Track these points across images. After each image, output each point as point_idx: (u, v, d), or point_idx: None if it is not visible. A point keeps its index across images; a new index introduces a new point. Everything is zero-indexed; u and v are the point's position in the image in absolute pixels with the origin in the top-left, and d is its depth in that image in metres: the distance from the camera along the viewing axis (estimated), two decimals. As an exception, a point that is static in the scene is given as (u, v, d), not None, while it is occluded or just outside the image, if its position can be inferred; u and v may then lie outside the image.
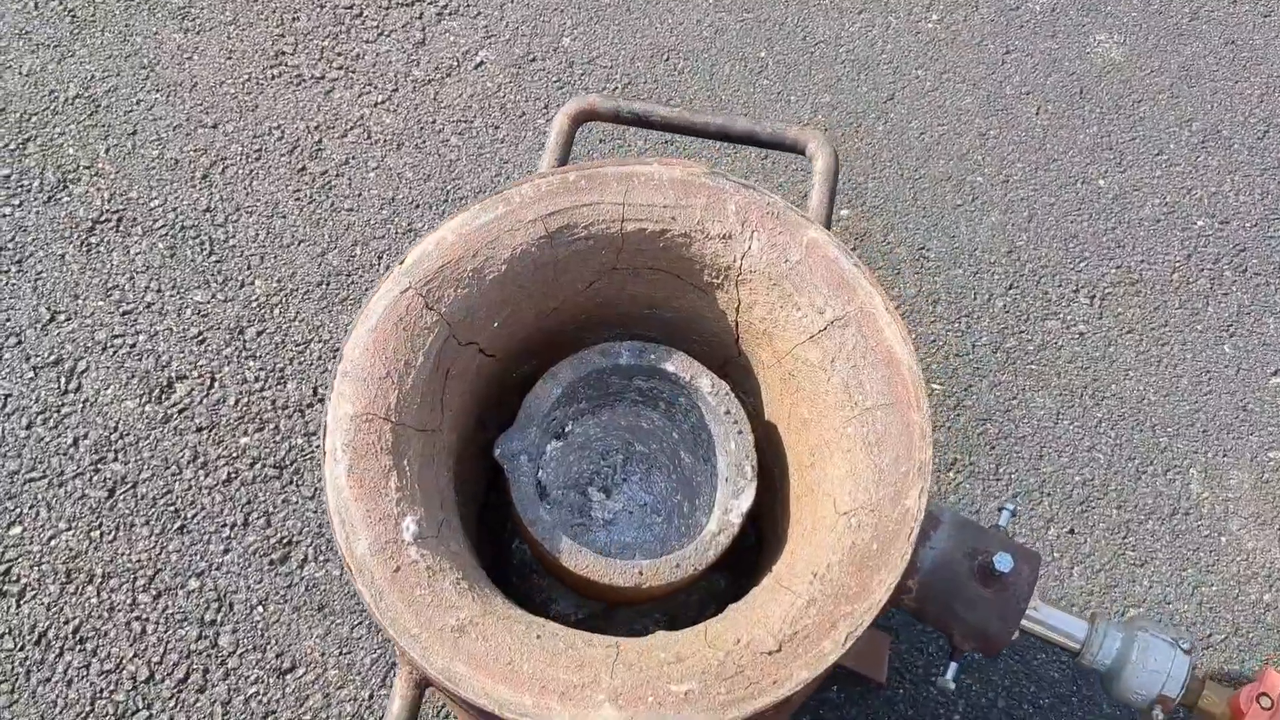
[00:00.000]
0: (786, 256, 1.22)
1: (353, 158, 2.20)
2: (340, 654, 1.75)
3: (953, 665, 1.45)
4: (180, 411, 1.92)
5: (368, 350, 1.14)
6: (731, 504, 1.24)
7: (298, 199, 2.15)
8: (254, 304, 2.03)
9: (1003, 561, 1.34)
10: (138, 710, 1.69)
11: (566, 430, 1.38)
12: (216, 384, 1.95)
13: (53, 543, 1.79)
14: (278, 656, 1.75)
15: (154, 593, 1.78)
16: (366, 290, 2.03)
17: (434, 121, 2.26)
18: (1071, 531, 1.89)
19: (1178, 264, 2.17)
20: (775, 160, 2.22)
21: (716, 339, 1.35)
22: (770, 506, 1.37)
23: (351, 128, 2.24)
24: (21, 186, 2.10)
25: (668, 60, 2.40)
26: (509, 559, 1.48)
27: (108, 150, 2.17)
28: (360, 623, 1.77)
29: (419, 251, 1.19)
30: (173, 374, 1.95)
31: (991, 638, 1.40)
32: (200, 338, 1.99)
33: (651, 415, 1.41)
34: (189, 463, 1.88)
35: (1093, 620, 1.46)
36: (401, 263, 1.19)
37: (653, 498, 1.42)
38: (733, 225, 1.23)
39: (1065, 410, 1.99)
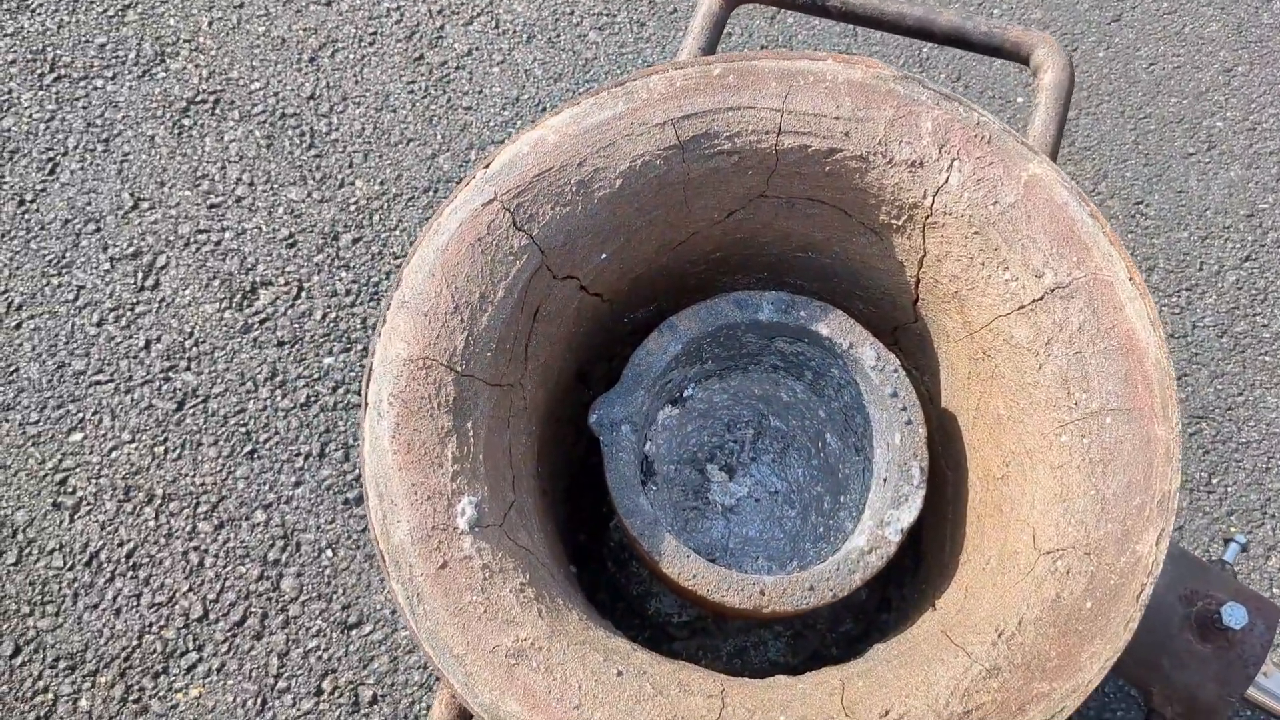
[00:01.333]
0: (997, 197, 0.90)
1: (476, 49, 1.94)
2: (411, 615, 1.53)
3: (1147, 733, 1.16)
4: (262, 322, 1.71)
5: (434, 276, 0.88)
6: (890, 515, 0.95)
7: (411, 92, 1.90)
8: (352, 207, 1.80)
9: (1234, 615, 1.05)
10: (187, 650, 1.50)
11: (685, 395, 1.11)
12: (304, 294, 1.73)
13: (114, 455, 1.61)
14: (344, 609, 1.54)
15: (216, 522, 1.58)
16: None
17: (571, 13, 1.97)
18: (1298, 565, 1.53)
19: None
20: (986, 88, 1.87)
21: (888, 298, 1.05)
22: (938, 515, 1.07)
23: (478, 14, 1.97)
24: (116, 58, 1.90)
25: (849, -41, 2.05)
26: (606, 538, 1.22)
27: (211, 23, 1.95)
28: (436, 582, 1.54)
29: (510, 154, 0.92)
30: (257, 278, 1.74)
31: (1203, 705, 1.11)
32: (290, 240, 1.77)
33: (794, 386, 1.12)
34: (266, 380, 1.67)
35: (1342, 699, 1.14)
36: (486, 166, 0.91)
37: (786, 485, 1.14)
38: (926, 149, 0.92)
39: (1303, 415, 1.62)
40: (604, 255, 0.97)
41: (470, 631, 0.81)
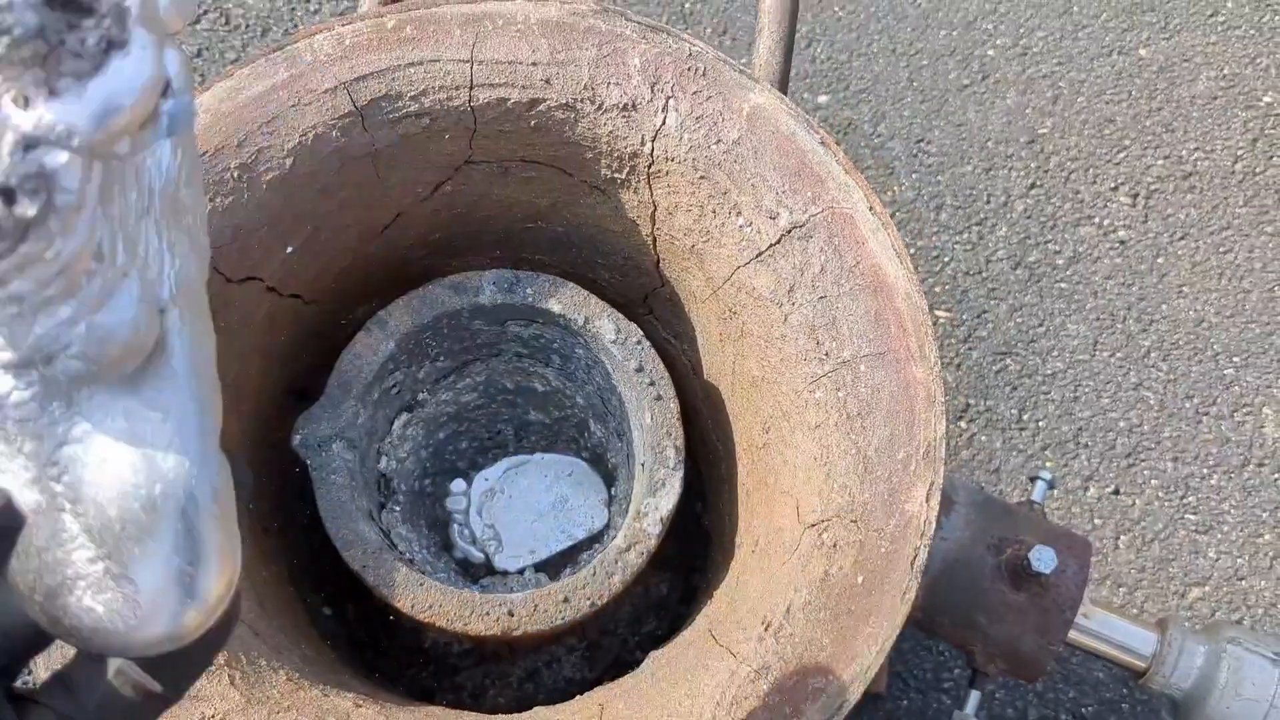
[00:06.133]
0: (719, 135, 0.80)
1: (206, 48, 1.76)
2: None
3: (974, 694, 1.09)
4: None
5: (64, 296, 0.73)
6: (647, 504, 0.84)
7: (136, 102, 1.72)
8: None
9: (1043, 559, 0.98)
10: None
11: (419, 399, 0.98)
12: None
13: None
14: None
15: None
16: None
17: (308, 1, 1.82)
18: (1116, 492, 1.49)
19: (1240, 151, 1.74)
20: (732, 36, 1.78)
21: (630, 263, 0.94)
22: (718, 495, 0.97)
23: (206, 11, 1.80)
24: None
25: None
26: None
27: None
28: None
29: (149, 141, 0.77)
30: None
31: (1026, 658, 1.04)
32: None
33: (545, 373, 1.00)
34: None
35: (1163, 629, 1.08)
36: (122, 159, 0.77)
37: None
38: (638, 89, 0.81)
39: (1104, 338, 1.59)
40: (290, 249, 0.83)
41: (143, 717, 0.66)
